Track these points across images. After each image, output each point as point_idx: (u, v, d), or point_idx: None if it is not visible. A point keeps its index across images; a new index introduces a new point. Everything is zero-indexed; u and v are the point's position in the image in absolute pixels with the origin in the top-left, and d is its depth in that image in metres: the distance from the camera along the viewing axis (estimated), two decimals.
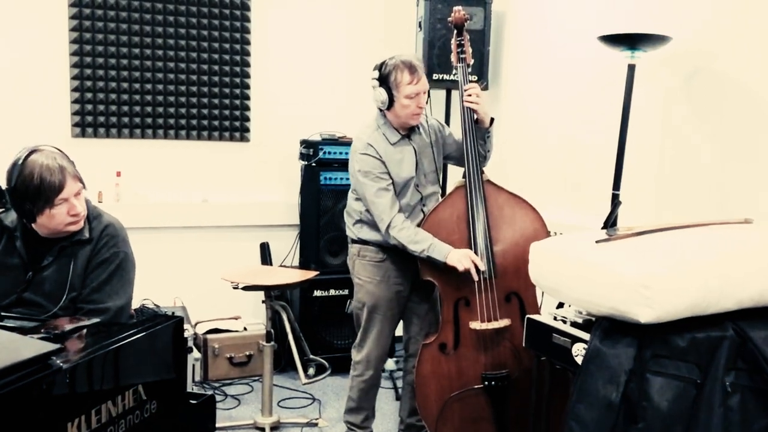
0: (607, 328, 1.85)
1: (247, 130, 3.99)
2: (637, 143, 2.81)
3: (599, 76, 3.11)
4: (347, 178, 2.75)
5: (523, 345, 2.24)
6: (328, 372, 3.42)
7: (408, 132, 2.68)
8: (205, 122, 3.90)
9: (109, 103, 3.69)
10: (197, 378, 3.55)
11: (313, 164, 3.75)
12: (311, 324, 3.76)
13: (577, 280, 1.93)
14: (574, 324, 2.05)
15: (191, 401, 2.04)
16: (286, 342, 3.15)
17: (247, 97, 3.96)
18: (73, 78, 3.61)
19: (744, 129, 2.43)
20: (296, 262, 4.01)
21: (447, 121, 3.63)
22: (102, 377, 1.62)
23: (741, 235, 1.99)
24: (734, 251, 1.87)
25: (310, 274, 3.19)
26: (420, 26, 3.60)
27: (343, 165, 3.40)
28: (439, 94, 3.78)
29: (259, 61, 3.96)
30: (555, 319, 2.12)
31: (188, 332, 3.15)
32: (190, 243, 3.89)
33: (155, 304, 3.21)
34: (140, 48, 3.71)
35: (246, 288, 2.98)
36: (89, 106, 3.65)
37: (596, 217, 2.79)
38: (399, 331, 2.90)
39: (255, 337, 3.73)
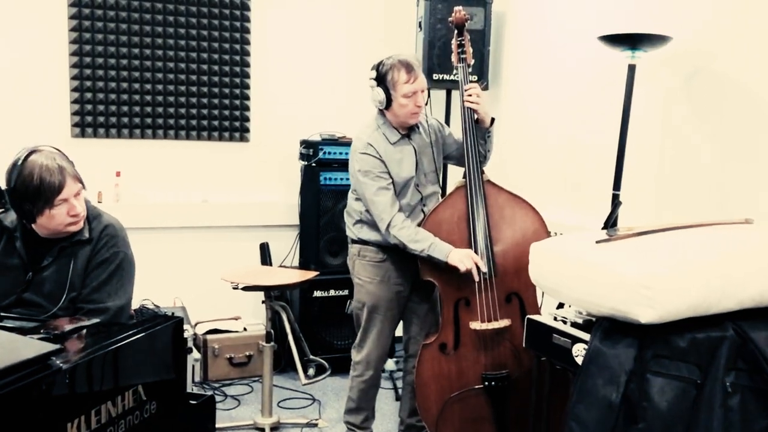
0: (607, 328, 1.85)
1: (247, 130, 3.99)
2: (638, 143, 2.81)
3: (599, 76, 3.11)
4: (347, 179, 2.75)
5: (524, 345, 2.24)
6: (328, 372, 3.42)
7: (408, 132, 2.67)
8: (205, 122, 3.90)
9: (109, 103, 3.68)
10: (197, 378, 3.54)
11: (313, 164, 3.75)
12: (311, 324, 3.76)
13: (578, 280, 1.92)
14: (574, 324, 2.05)
15: (191, 402, 2.04)
16: (286, 342, 3.14)
17: (247, 98, 3.96)
18: (73, 78, 3.60)
19: (744, 129, 2.43)
20: (296, 263, 4.01)
21: (447, 121, 3.63)
22: (102, 378, 1.62)
23: (742, 235, 1.99)
24: (735, 251, 1.87)
25: (310, 275, 3.19)
26: (420, 26, 3.60)
27: (343, 165, 3.40)
28: (439, 95, 3.78)
29: (259, 61, 3.96)
30: (555, 319, 2.12)
31: (188, 333, 3.14)
32: (190, 243, 3.89)
33: (155, 305, 3.21)
34: (140, 48, 3.70)
35: (246, 288, 2.98)
36: (89, 106, 3.65)
37: (596, 218, 2.79)
38: (399, 332, 2.90)
39: (255, 338, 3.72)
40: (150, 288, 3.01)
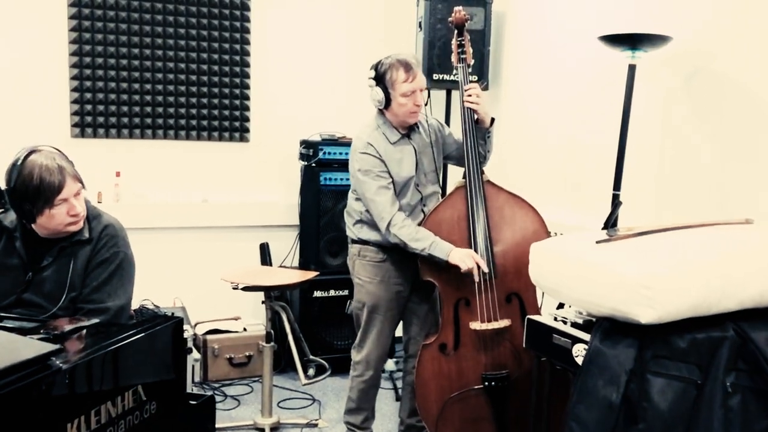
0: (607, 328, 1.84)
1: (247, 130, 3.99)
2: (638, 143, 2.81)
3: (599, 76, 3.11)
4: (347, 179, 2.75)
5: (524, 345, 2.24)
6: (328, 373, 3.42)
7: (408, 131, 2.67)
8: (205, 122, 3.89)
9: (109, 103, 3.68)
10: (197, 379, 3.54)
11: (313, 164, 3.75)
12: (311, 324, 3.76)
13: (578, 280, 1.92)
14: (574, 324, 2.05)
15: (191, 402, 2.04)
16: (286, 342, 3.14)
17: (247, 98, 3.96)
18: (73, 78, 3.60)
19: (744, 129, 2.43)
20: (296, 263, 4.01)
21: (447, 121, 3.62)
22: (101, 378, 1.62)
23: (742, 235, 1.99)
24: (735, 251, 1.87)
25: (310, 275, 3.19)
26: (420, 26, 3.60)
27: (342, 165, 3.40)
28: (439, 95, 3.78)
29: (258, 61, 3.96)
30: (555, 319, 2.12)
31: (188, 333, 3.14)
32: (190, 243, 3.89)
33: (155, 305, 3.21)
34: (140, 48, 3.70)
35: (246, 288, 2.98)
36: (89, 106, 3.65)
37: (596, 218, 2.79)
38: (399, 332, 2.90)
39: (255, 338, 3.72)
40: (150, 288, 3.00)
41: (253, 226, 4.00)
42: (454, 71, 2.72)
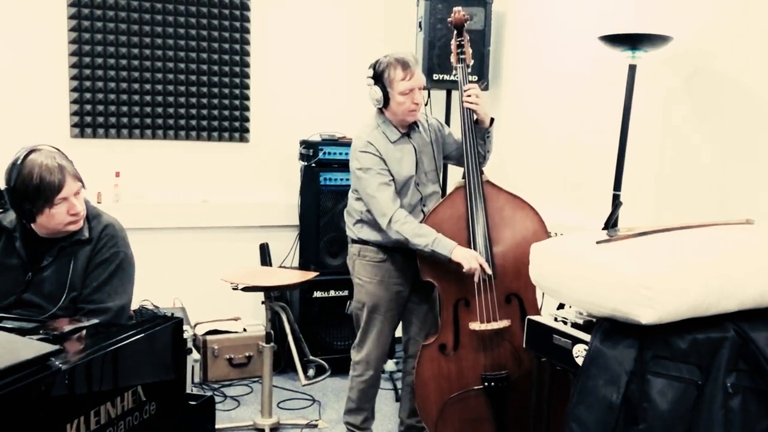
0: (607, 329, 1.84)
1: (247, 130, 3.99)
2: (638, 143, 2.81)
3: (600, 76, 3.11)
4: (347, 179, 2.75)
5: (524, 346, 2.24)
6: (328, 373, 3.42)
7: (408, 130, 2.67)
8: (205, 122, 3.89)
9: (108, 103, 3.68)
10: (197, 379, 3.54)
11: (313, 165, 3.75)
12: (311, 325, 3.75)
13: (578, 280, 1.92)
14: (574, 325, 2.05)
15: (191, 402, 2.04)
16: (286, 343, 3.14)
17: (247, 98, 3.96)
18: (72, 78, 3.60)
19: (744, 129, 2.43)
20: (296, 263, 4.01)
21: (447, 121, 3.62)
22: (101, 378, 1.62)
23: (742, 235, 1.99)
24: (735, 251, 1.87)
25: (310, 275, 3.19)
26: (420, 26, 3.60)
27: (342, 165, 3.40)
28: (439, 95, 3.78)
29: (258, 61, 3.96)
30: (555, 320, 2.11)
31: (187, 333, 3.14)
32: (190, 244, 3.89)
33: (154, 305, 3.20)
34: (139, 48, 3.70)
35: (245, 289, 2.98)
36: (88, 107, 3.65)
37: (597, 218, 2.79)
38: (399, 332, 2.90)
39: (254, 338, 3.72)
40: (149, 288, 3.00)
41: (253, 226, 4.00)
42: (454, 71, 2.72)
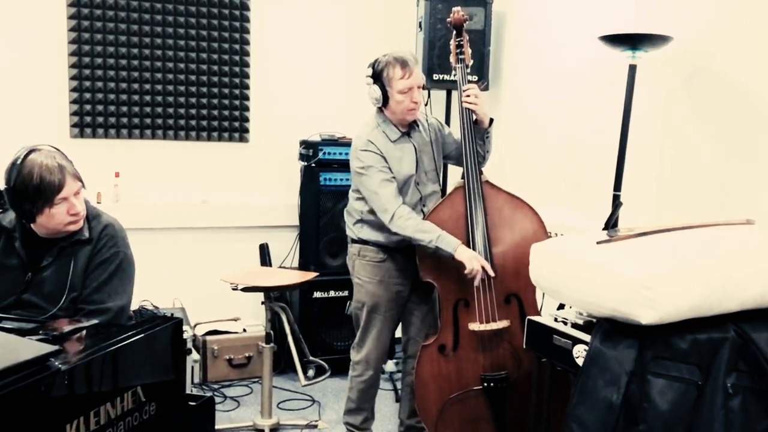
0: (608, 329, 1.84)
1: (247, 130, 3.99)
2: (638, 144, 2.81)
3: (600, 76, 3.11)
4: (347, 179, 2.75)
5: (524, 346, 2.23)
6: (328, 373, 3.42)
7: (408, 130, 2.67)
8: (205, 123, 3.89)
9: (108, 103, 3.68)
10: (196, 380, 3.54)
11: (313, 165, 3.75)
12: (311, 325, 3.75)
13: (578, 280, 1.92)
14: (574, 325, 2.05)
15: (190, 403, 2.04)
16: (286, 343, 3.14)
17: (247, 98, 3.96)
18: (72, 78, 3.60)
19: (744, 129, 2.43)
20: (296, 264, 4.00)
21: (447, 121, 3.62)
22: (101, 379, 1.62)
23: (742, 235, 1.99)
24: (736, 251, 1.86)
25: (310, 276, 3.18)
26: (420, 26, 3.60)
27: (342, 166, 3.39)
28: (439, 95, 3.77)
29: (258, 61, 3.95)
30: (556, 320, 2.11)
31: (187, 334, 3.14)
32: (189, 244, 3.89)
33: (154, 306, 3.20)
34: (139, 48, 3.70)
35: (245, 289, 2.97)
36: (88, 107, 3.65)
37: (597, 218, 2.79)
38: (399, 333, 2.90)
39: (254, 339, 3.72)
40: (149, 289, 3.00)
41: (253, 226, 4.00)
42: (453, 72, 2.71)
